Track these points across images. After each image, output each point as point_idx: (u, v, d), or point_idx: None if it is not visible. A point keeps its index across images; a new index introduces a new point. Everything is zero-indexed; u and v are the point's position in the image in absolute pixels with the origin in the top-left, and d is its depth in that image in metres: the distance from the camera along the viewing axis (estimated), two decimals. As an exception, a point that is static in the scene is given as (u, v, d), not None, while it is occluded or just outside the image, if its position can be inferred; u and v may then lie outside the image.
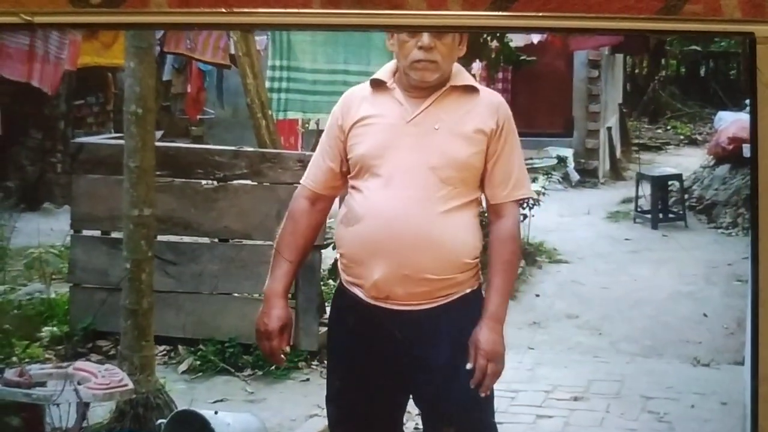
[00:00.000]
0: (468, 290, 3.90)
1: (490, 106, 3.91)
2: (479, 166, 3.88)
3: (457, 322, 3.87)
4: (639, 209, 13.47)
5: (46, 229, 8.96)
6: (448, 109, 3.89)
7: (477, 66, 10.16)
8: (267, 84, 8.13)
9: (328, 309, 7.90)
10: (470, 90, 3.94)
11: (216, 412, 5.48)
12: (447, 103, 3.91)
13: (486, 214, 4.04)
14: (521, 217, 3.98)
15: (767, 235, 2.15)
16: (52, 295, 7.97)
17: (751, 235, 2.18)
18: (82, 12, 2.22)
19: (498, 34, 8.74)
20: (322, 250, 7.52)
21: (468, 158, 3.85)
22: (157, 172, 6.30)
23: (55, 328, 7.41)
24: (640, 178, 13.79)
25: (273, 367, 7.03)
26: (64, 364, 5.81)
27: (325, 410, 6.39)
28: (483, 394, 3.84)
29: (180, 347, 7.28)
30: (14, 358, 6.53)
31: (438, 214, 3.83)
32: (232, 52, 9.75)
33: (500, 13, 2.18)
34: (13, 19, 2.22)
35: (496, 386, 3.92)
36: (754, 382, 2.21)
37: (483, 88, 4.02)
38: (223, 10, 2.19)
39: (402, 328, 3.88)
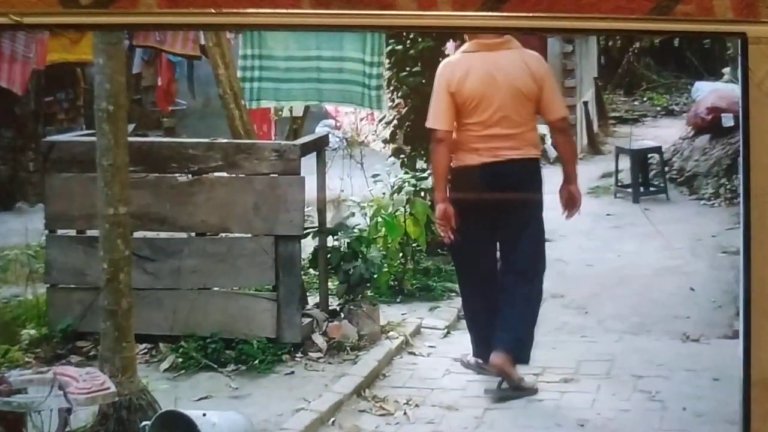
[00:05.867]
0: None
1: None
2: None
3: None
4: (619, 183, 13.40)
5: (21, 229, 8.83)
6: None
7: (450, 45, 10.03)
8: (239, 73, 7.98)
9: (309, 299, 7.81)
10: None
11: (204, 414, 5.38)
12: None
13: None
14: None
15: (759, 241, 2.09)
16: (29, 297, 7.85)
17: (743, 239, 2.14)
18: (72, 13, 2.18)
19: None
20: (302, 240, 7.41)
21: None
22: (131, 168, 6.17)
23: (33, 331, 7.29)
24: (619, 152, 13.71)
25: (256, 362, 6.93)
26: (45, 369, 5.70)
27: (311, 403, 6.35)
28: None
29: (161, 345, 7.16)
30: (-7, 364, 6.45)
31: None
32: (203, 42, 9.62)
33: (491, 14, 2.12)
34: (3, 20, 2.16)
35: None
36: (746, 386, 2.15)
37: None
38: (213, 10, 2.15)
39: None
